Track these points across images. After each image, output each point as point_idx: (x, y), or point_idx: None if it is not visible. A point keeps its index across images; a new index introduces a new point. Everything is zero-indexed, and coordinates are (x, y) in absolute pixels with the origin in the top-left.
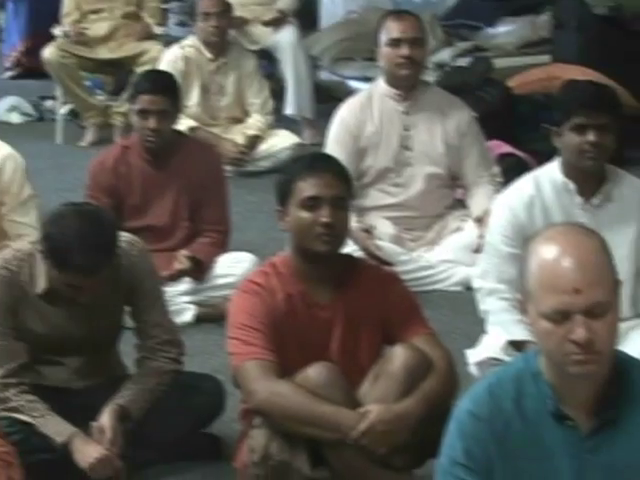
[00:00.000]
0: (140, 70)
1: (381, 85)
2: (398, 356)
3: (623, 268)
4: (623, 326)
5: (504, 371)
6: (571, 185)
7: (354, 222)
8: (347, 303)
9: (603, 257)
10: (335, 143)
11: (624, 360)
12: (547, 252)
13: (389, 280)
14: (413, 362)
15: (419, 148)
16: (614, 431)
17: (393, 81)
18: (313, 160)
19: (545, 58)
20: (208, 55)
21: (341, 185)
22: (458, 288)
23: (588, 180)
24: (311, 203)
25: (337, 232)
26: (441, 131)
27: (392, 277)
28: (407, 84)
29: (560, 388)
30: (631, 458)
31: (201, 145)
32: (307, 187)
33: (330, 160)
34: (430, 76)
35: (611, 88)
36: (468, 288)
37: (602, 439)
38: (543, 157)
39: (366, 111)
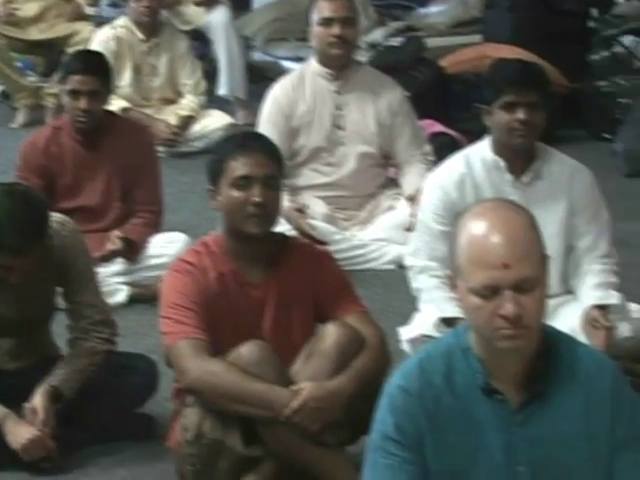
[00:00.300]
0: (71, 51)
1: (313, 64)
2: (330, 334)
3: (553, 245)
4: (553, 302)
5: (434, 347)
6: (501, 163)
7: (287, 201)
8: (279, 282)
9: (532, 233)
10: (267, 123)
11: (552, 335)
12: (476, 228)
13: (321, 259)
14: (345, 339)
15: (351, 127)
16: (542, 405)
17: (325, 60)
18: (244, 139)
19: (477, 38)
20: (140, 36)
21: (272, 164)
22: (391, 266)
23: (518, 158)
24: (242, 182)
25: (268, 211)
26: (373, 110)
27: (324, 256)
28: (339, 63)
29: (489, 363)
30: (559, 431)
31: (133, 126)
32: (238, 166)
33: (261, 139)
34: (363, 56)
35: (540, 66)
36: (401, 266)
37: (531, 413)
38: (475, 136)
39: (298, 91)
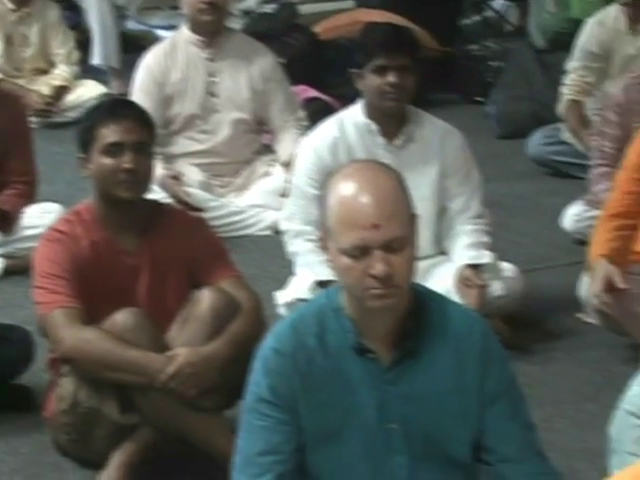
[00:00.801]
0: None
1: (185, 32)
2: (205, 299)
3: (426, 207)
4: (427, 263)
5: (307, 307)
6: (374, 126)
7: (162, 169)
8: (153, 249)
9: (400, 193)
10: (140, 91)
11: (422, 293)
12: (345, 189)
13: (195, 225)
14: (220, 304)
15: (225, 94)
16: (414, 362)
17: (196, 27)
18: (114, 106)
19: (350, 3)
20: (10, 5)
21: (143, 131)
22: (267, 232)
23: (390, 121)
24: (113, 149)
25: (140, 177)
26: (246, 77)
27: (198, 222)
28: (210, 30)
29: (361, 322)
30: (430, 388)
31: (6, 96)
32: (109, 133)
33: (131, 106)
34: (236, 23)
35: (410, 29)
36: (277, 232)
37: (402, 371)
38: (349, 101)
39: (171, 58)
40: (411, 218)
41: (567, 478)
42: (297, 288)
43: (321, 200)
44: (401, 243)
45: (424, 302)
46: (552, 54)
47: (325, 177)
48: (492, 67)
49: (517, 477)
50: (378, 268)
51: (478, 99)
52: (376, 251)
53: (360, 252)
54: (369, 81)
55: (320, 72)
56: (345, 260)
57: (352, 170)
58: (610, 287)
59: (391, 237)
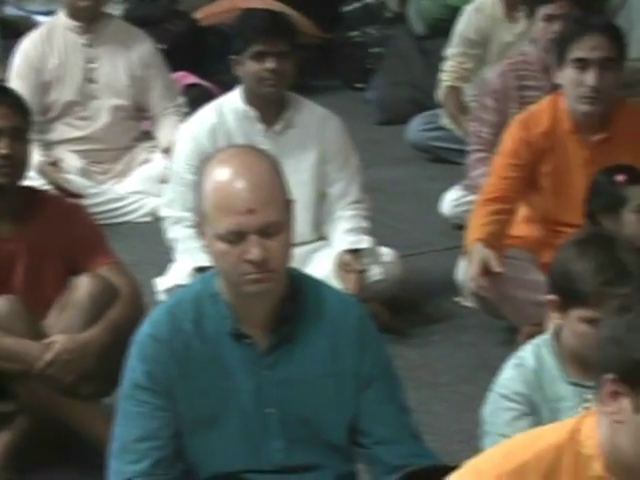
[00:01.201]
0: None
1: (62, 18)
2: (82, 285)
3: (305, 192)
4: (307, 248)
5: (183, 293)
6: (252, 113)
7: (40, 156)
8: (30, 236)
9: (275, 178)
10: (18, 78)
11: (299, 278)
12: (220, 174)
13: (72, 211)
14: (97, 290)
15: (103, 80)
16: (291, 347)
17: (73, 13)
18: None
19: None
20: None
21: (18, 117)
22: (148, 219)
23: (269, 107)
24: None
25: (16, 163)
26: (124, 63)
27: (75, 208)
28: (87, 16)
29: (238, 308)
30: (306, 372)
31: None
32: None
33: (6, 92)
34: (116, 9)
35: (287, 15)
36: (157, 219)
37: (279, 355)
38: (230, 87)
39: (48, 44)
40: (287, 203)
41: (442, 459)
42: (177, 274)
43: (197, 186)
44: (277, 228)
45: (300, 287)
46: (431, 40)
47: (201, 163)
48: (372, 53)
49: (392, 459)
50: (254, 253)
51: (358, 85)
52: (252, 236)
53: (236, 237)
54: (248, 67)
55: (200, 58)
56: (221, 245)
57: (227, 156)
58: (486, 271)
59: (266, 222)
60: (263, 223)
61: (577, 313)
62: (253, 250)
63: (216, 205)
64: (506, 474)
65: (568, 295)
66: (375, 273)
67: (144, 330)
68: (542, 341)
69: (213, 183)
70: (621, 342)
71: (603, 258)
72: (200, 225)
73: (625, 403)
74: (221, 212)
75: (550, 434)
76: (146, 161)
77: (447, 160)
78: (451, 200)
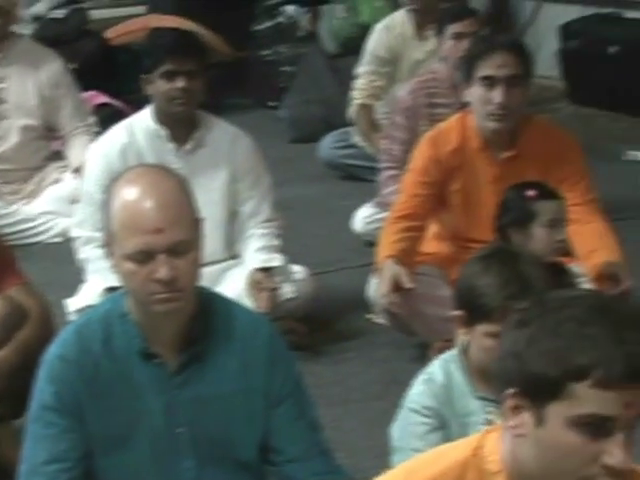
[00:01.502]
0: None
1: None
2: None
3: (217, 211)
4: (219, 267)
5: (92, 313)
6: (163, 131)
7: None
8: None
9: (183, 196)
10: None
11: (208, 297)
12: (127, 194)
13: None
14: (6, 312)
15: (13, 100)
16: (201, 366)
17: None
18: None
19: (141, 9)
20: None
21: None
22: (59, 239)
23: (179, 126)
24: None
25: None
26: (34, 83)
27: None
28: None
29: (147, 327)
30: (217, 389)
31: None
32: None
33: None
34: (26, 29)
35: (196, 34)
36: (68, 239)
37: (189, 374)
38: (142, 106)
39: None
40: (196, 222)
41: (354, 476)
42: (88, 295)
43: (105, 205)
44: (185, 247)
45: (210, 305)
46: (343, 59)
47: (109, 182)
48: (284, 72)
49: (303, 476)
50: (162, 272)
51: (271, 104)
52: (160, 255)
53: (144, 257)
54: (157, 86)
55: (111, 78)
56: (129, 265)
57: (134, 175)
58: (397, 287)
59: (175, 241)
60: (171, 242)
61: (482, 328)
62: (161, 270)
63: (124, 224)
64: None
65: (473, 310)
66: (287, 291)
67: (52, 350)
68: (450, 356)
69: (120, 202)
70: (520, 356)
71: (507, 273)
72: (108, 245)
73: (526, 417)
74: (129, 231)
75: (454, 451)
76: (56, 181)
77: (359, 178)
78: (363, 217)
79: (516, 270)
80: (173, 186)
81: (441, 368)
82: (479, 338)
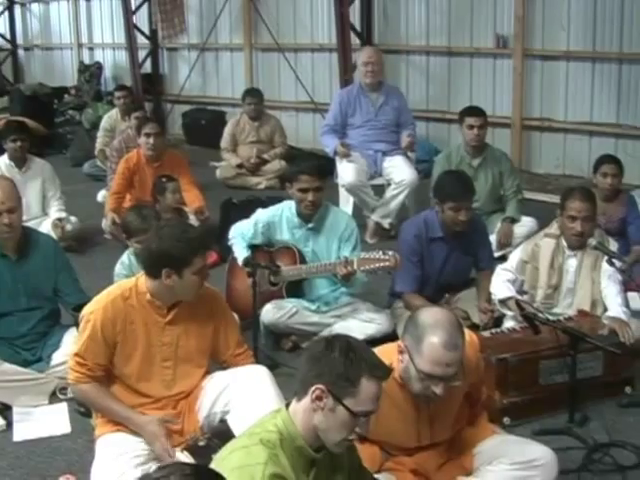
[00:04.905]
0: None
1: None
2: None
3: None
4: None
5: None
6: None
7: None
8: None
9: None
10: None
11: (26, 230)
12: None
13: None
14: None
15: None
16: (27, 259)
17: None
18: None
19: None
20: None
21: None
22: None
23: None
24: None
25: None
26: None
27: None
28: None
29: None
30: (37, 268)
31: None
32: None
33: None
34: None
35: (26, 122)
36: None
37: (22, 262)
38: None
39: None
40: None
41: None
42: None
43: None
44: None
45: (29, 234)
46: (93, 131)
47: None
48: (68, 138)
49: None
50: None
51: (64, 151)
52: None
53: None
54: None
55: None
56: None
57: None
58: None
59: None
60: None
61: None
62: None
63: None
64: None
65: None
66: None
67: None
68: None
69: None
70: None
71: None
72: None
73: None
74: None
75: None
76: None
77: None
78: None
79: None
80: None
81: None
82: None
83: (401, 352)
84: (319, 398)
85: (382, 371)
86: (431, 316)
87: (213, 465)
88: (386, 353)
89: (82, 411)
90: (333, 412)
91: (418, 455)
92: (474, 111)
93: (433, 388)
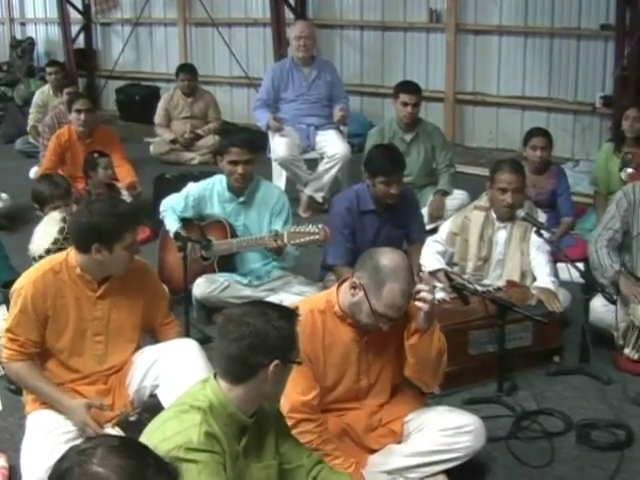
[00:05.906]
0: None
1: None
2: None
3: None
4: None
5: None
6: None
7: None
8: None
9: None
10: None
11: None
12: None
13: None
14: None
15: None
16: None
17: None
18: None
19: None
20: None
21: None
22: None
23: None
24: None
25: None
26: None
27: None
28: None
29: None
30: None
31: None
32: None
33: None
34: None
35: None
36: None
37: None
38: None
39: None
40: None
41: None
42: None
43: None
44: None
45: None
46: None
47: None
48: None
49: None
50: None
51: None
52: None
53: None
54: None
55: None
56: None
57: None
58: None
59: None
60: None
61: None
62: None
63: None
64: None
65: None
66: None
67: None
68: None
69: None
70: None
71: None
72: None
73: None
74: None
75: None
76: None
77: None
78: None
79: None
80: None
81: None
82: None
83: (354, 287)
84: None
85: None
86: (391, 261)
87: (143, 438)
88: (312, 302)
89: (12, 389)
90: None
91: (349, 414)
92: (409, 88)
93: (381, 324)
